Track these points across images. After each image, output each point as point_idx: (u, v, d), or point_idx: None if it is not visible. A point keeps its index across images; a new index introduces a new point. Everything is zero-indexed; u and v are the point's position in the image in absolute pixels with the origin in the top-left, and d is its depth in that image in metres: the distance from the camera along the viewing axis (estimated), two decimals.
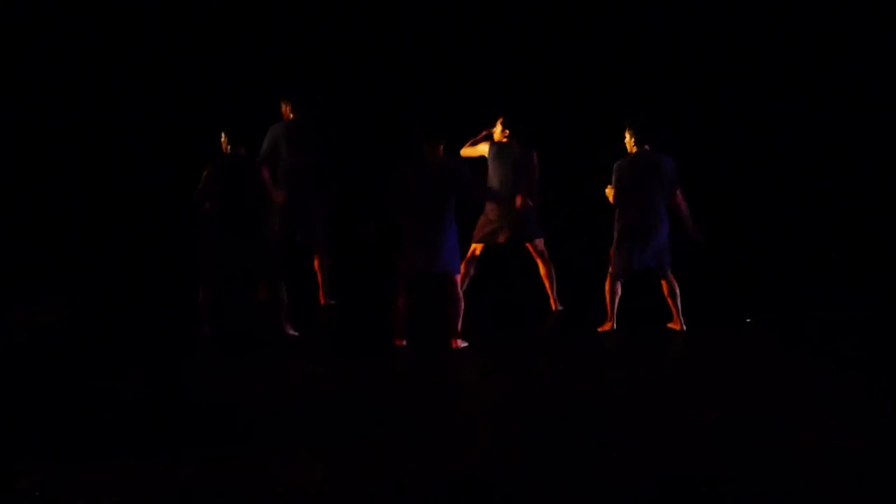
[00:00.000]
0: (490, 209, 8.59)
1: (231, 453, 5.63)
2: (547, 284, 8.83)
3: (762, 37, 10.38)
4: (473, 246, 8.66)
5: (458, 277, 7.81)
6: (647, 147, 7.95)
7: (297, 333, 8.01)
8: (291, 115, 8.66)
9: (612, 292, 8.11)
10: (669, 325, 8.18)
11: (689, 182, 8.22)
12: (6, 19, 10.13)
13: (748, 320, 8.28)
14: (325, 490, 5.19)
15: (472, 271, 8.64)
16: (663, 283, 8.12)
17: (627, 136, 8.00)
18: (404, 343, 7.77)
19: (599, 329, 8.15)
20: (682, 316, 8.13)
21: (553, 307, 8.83)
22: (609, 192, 7.95)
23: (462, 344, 7.76)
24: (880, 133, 10.37)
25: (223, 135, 7.87)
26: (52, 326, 8.16)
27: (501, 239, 8.63)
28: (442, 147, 7.60)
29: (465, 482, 5.32)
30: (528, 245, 8.76)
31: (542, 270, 8.80)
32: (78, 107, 10.41)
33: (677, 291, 8.09)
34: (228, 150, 7.86)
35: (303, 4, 10.50)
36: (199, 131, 10.13)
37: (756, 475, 5.30)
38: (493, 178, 8.55)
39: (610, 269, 8.09)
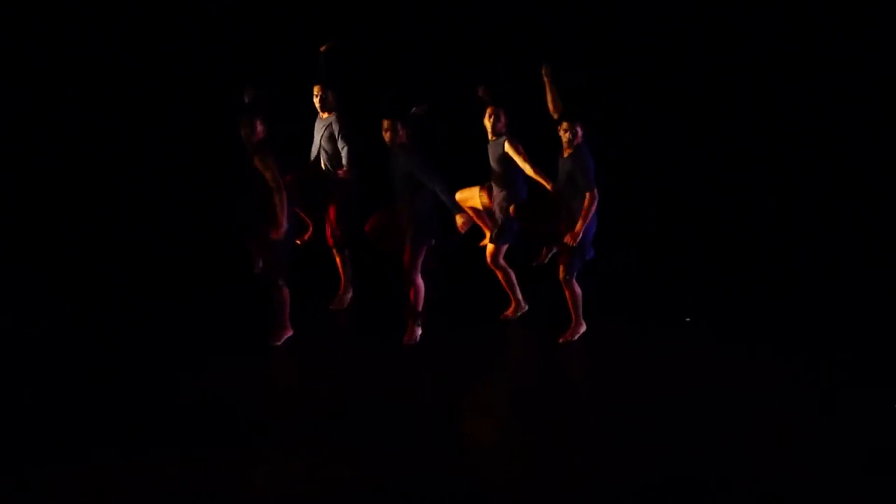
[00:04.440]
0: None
1: (220, 453, 5.65)
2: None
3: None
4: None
5: None
6: None
7: None
8: None
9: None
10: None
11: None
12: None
13: (687, 320, 8.26)
14: (318, 489, 5.19)
15: None
16: None
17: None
18: None
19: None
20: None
21: None
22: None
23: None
24: (827, 128, 10.23)
25: None
26: (38, 325, 8.15)
27: None
28: None
29: (461, 482, 5.31)
30: None
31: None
32: (76, 107, 10.42)
33: None
34: None
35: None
36: (194, 130, 10.26)
37: (723, 472, 5.36)
38: None
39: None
